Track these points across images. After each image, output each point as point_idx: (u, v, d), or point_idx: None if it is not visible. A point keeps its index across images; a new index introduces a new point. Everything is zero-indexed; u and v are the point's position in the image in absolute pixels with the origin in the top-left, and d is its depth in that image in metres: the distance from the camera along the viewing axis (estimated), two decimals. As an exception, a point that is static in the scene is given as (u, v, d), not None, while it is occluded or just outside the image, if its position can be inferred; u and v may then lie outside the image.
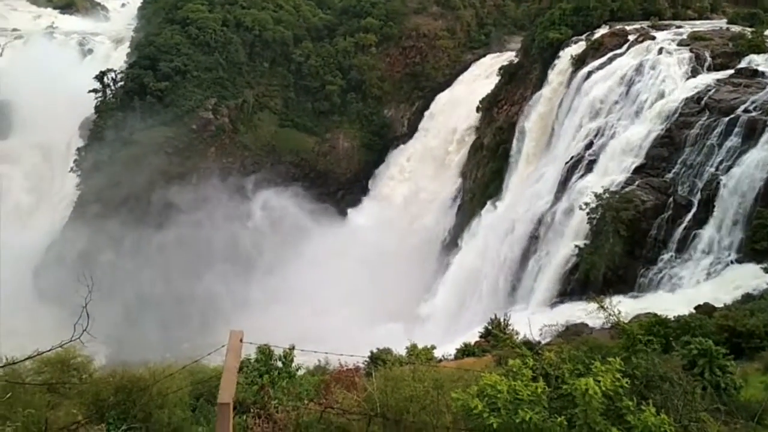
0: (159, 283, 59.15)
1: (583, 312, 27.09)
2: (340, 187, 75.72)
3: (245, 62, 74.48)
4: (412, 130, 76.23)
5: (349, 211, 73.43)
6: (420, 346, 19.00)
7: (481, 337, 25.73)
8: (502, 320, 26.02)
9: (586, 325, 25.52)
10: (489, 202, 53.85)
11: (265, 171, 71.97)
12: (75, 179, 69.07)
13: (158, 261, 60.47)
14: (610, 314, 10.99)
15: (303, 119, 75.91)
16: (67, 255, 60.39)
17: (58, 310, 44.40)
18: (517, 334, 19.39)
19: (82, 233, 61.32)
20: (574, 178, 40.17)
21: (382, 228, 67.72)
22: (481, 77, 71.70)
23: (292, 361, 14.08)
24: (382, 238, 64.93)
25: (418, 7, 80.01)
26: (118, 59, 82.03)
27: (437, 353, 21.33)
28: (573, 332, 24.59)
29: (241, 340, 8.72)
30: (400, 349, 19.06)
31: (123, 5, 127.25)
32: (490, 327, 25.78)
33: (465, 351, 23.73)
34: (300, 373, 14.52)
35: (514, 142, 54.47)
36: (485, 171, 58.92)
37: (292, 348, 13.88)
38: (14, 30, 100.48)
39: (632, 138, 37.07)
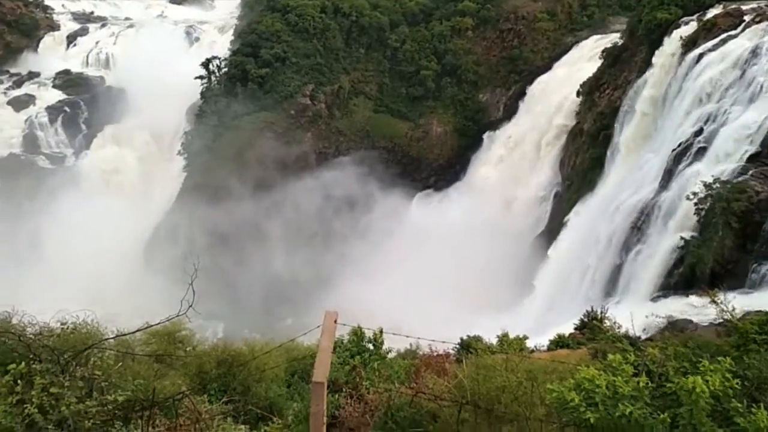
0: (261, 264, 61.56)
1: (688, 307, 25.75)
2: (433, 173, 75.46)
3: (342, 48, 75.43)
4: (508, 115, 74.51)
5: (424, 194, 73.42)
6: (512, 335, 18.65)
7: (576, 329, 24.91)
8: (599, 313, 25.12)
9: (691, 321, 24.25)
10: (588, 191, 52.06)
11: (360, 156, 72.89)
12: (182, 161, 72.65)
13: (260, 242, 62.90)
14: (723, 310, 10.35)
15: (397, 104, 76.10)
16: (174, 234, 63.77)
17: (166, 286, 46.98)
18: (620, 327, 18.62)
19: (187, 213, 64.49)
20: (681, 165, 37.99)
21: (474, 215, 67.04)
22: (582, 60, 68.92)
23: (382, 343, 14.23)
24: (475, 225, 64.27)
25: (518, -11, 78.15)
26: (222, 47, 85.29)
27: (529, 343, 20.89)
28: (676, 328, 23.42)
29: (335, 321, 8.88)
30: (491, 338, 18.80)
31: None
32: (586, 319, 24.93)
33: (559, 343, 23.03)
34: (390, 356, 14.65)
35: (617, 127, 52.24)
36: (584, 158, 56.88)
37: (381, 331, 14.02)
38: (126, 19, 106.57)
39: (747, 124, 34.54)
